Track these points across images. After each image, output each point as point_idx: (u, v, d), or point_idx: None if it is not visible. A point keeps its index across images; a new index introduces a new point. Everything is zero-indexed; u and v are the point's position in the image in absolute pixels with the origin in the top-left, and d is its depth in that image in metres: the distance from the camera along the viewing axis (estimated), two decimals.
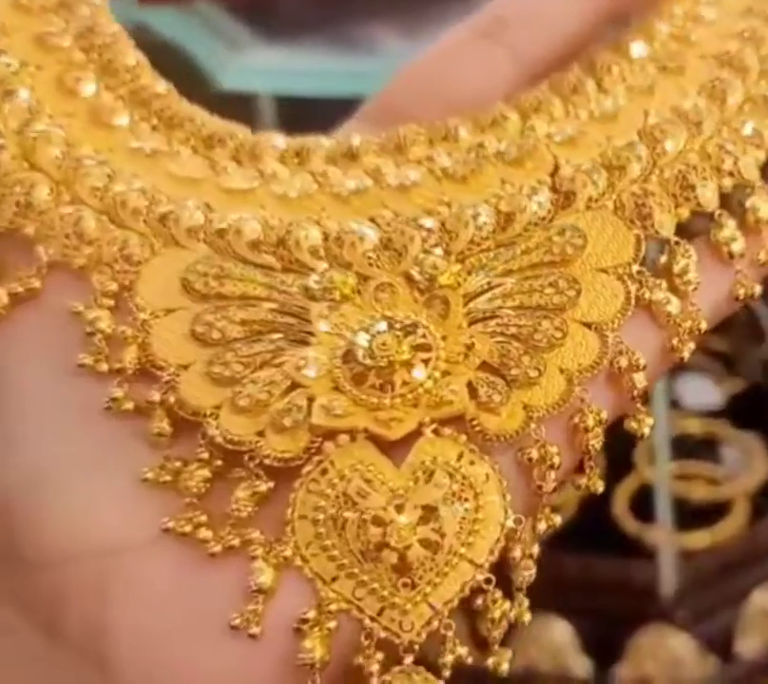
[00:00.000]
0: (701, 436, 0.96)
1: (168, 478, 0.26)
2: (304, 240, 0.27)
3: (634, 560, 0.82)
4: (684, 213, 0.28)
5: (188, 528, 0.25)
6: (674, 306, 0.27)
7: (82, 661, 0.25)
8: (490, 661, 0.26)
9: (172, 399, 0.26)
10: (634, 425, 0.27)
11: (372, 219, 0.28)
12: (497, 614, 0.26)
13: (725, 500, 0.89)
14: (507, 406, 0.26)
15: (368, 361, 0.26)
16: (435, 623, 0.25)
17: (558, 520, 0.27)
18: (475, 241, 0.27)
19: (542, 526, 0.26)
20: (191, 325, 0.26)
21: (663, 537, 0.82)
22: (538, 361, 0.26)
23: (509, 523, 0.26)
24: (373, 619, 0.25)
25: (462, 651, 0.26)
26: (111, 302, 0.27)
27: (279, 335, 0.26)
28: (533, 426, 0.26)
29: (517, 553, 0.26)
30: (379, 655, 0.25)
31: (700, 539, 0.85)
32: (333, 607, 0.25)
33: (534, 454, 0.26)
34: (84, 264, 0.27)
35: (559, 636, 0.81)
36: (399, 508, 0.25)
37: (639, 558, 0.83)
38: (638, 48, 0.31)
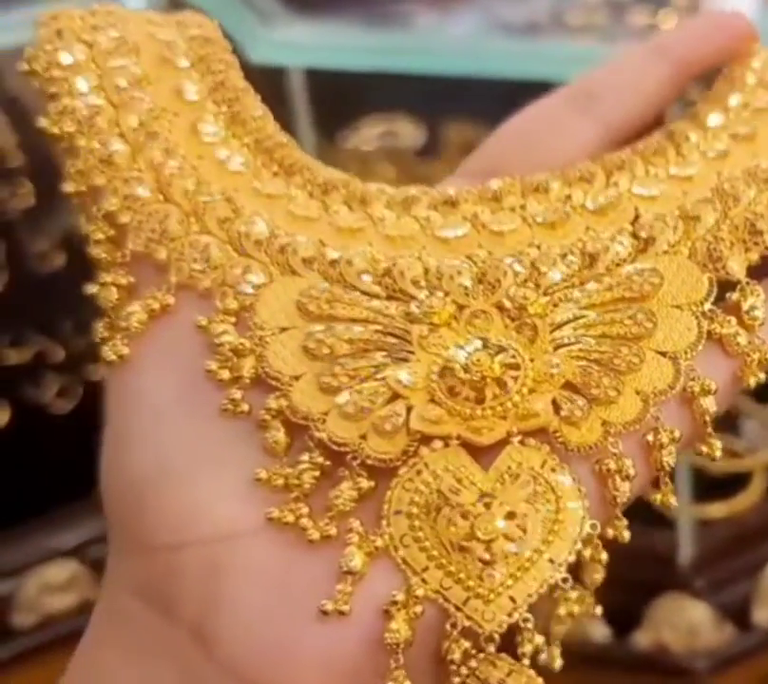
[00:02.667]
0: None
1: (281, 481, 0.29)
2: (407, 271, 0.30)
3: (653, 530, 0.83)
4: (754, 256, 0.31)
5: (291, 518, 0.28)
6: (743, 339, 0.30)
7: (193, 641, 0.28)
8: (543, 657, 0.29)
9: (285, 404, 0.29)
10: (704, 448, 0.30)
11: (468, 257, 0.31)
12: (564, 611, 0.30)
13: (744, 472, 0.90)
14: (587, 421, 0.29)
15: (463, 375, 0.29)
16: (515, 615, 0.27)
17: (627, 534, 0.29)
18: (563, 278, 0.30)
19: (610, 533, 0.29)
20: (303, 341, 0.30)
21: (682, 507, 0.83)
22: (617, 383, 0.29)
23: (587, 528, 0.28)
24: (458, 608, 0.27)
25: (539, 641, 0.28)
26: (233, 319, 0.30)
27: (382, 353, 0.29)
28: (611, 440, 0.29)
29: (588, 554, 0.29)
30: (464, 644, 0.27)
31: (718, 510, 0.85)
32: (420, 592, 0.27)
33: (611, 465, 0.29)
34: (209, 286, 0.31)
35: None
36: (487, 505, 0.28)
37: (658, 528, 0.84)
38: (714, 120, 0.34)
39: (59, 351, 0.85)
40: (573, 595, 0.30)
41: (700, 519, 0.84)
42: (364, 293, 0.30)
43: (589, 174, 0.33)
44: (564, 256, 0.31)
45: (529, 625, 0.27)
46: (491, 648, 0.27)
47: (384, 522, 0.28)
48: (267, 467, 0.29)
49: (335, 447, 0.29)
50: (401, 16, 0.78)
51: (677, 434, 0.29)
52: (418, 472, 0.28)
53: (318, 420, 0.29)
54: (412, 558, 0.28)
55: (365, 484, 0.28)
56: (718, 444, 0.30)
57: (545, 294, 0.30)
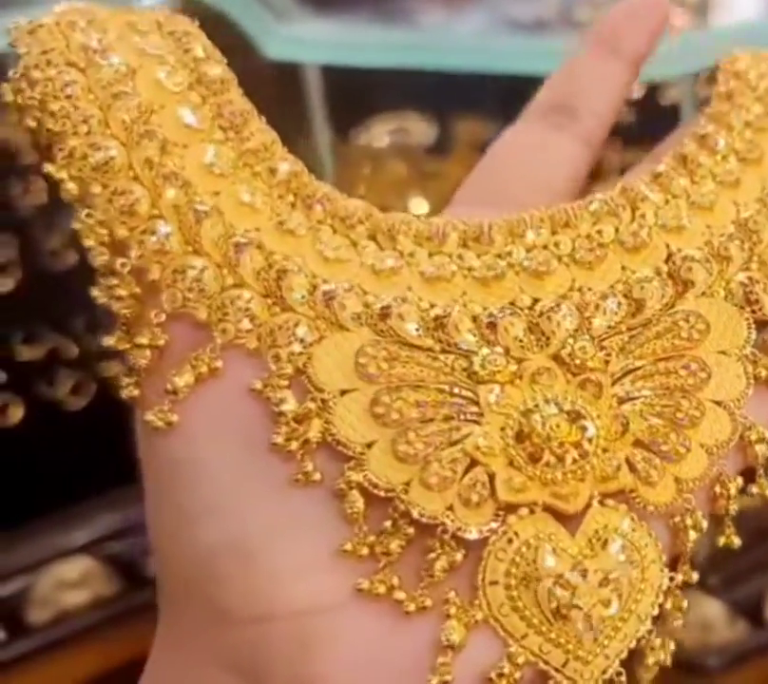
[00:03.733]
0: None
1: (366, 551, 0.28)
2: (461, 325, 0.29)
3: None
4: None
5: (382, 589, 0.28)
6: None
7: None
8: None
9: (363, 477, 0.28)
10: (757, 490, 0.31)
11: (512, 304, 0.30)
12: (652, 661, 0.30)
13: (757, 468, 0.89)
14: (662, 479, 0.29)
15: (540, 444, 0.29)
16: (610, 671, 0.29)
17: (695, 576, 0.31)
18: (611, 326, 0.30)
19: (680, 579, 0.30)
20: (370, 407, 0.29)
21: None
22: (684, 438, 0.30)
23: (666, 582, 0.29)
24: (557, 671, 0.28)
25: None
26: (287, 382, 0.29)
27: (452, 415, 0.29)
28: (685, 496, 0.30)
29: (669, 605, 0.30)
30: None
31: None
32: (520, 660, 0.28)
33: (688, 521, 0.30)
34: (256, 346, 0.29)
35: None
36: (583, 573, 0.28)
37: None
38: (721, 142, 0.34)
39: (72, 348, 0.85)
40: (657, 642, 0.30)
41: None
42: (418, 347, 0.29)
43: (616, 206, 0.32)
44: (605, 298, 0.30)
45: (622, 678, 0.29)
46: None
47: (480, 593, 0.28)
48: (351, 538, 0.28)
49: (423, 521, 0.28)
50: (410, 13, 0.78)
51: (740, 483, 0.31)
52: (509, 541, 0.28)
53: (401, 491, 0.28)
54: (512, 626, 0.28)
55: (458, 556, 0.28)
56: None
57: (596, 342, 0.30)
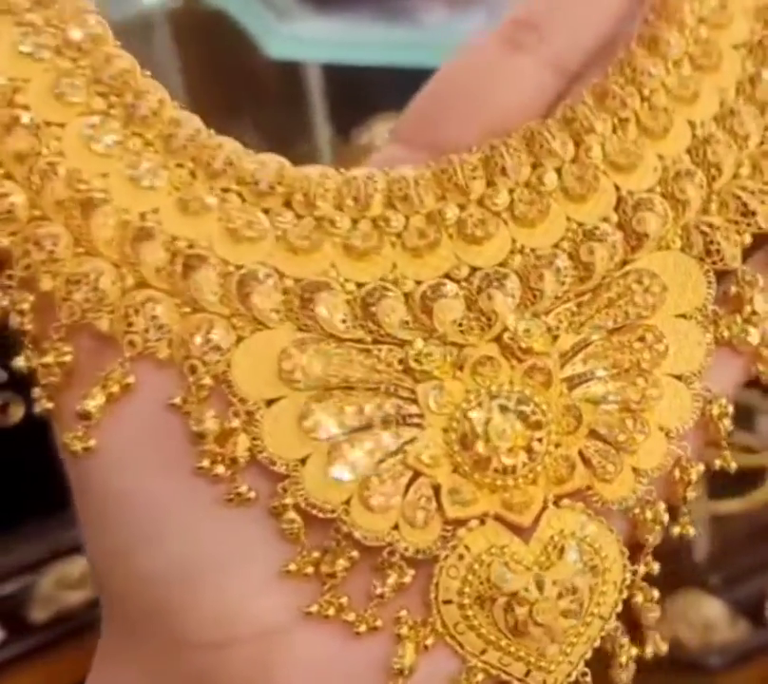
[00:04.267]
0: (737, 405, 0.96)
1: (310, 569, 0.26)
2: (392, 314, 0.26)
3: (668, 526, 0.83)
4: (747, 238, 0.29)
5: (331, 611, 0.26)
6: (753, 337, 0.28)
7: None
8: None
9: (298, 498, 0.26)
10: (719, 461, 0.29)
11: (448, 277, 0.27)
12: (625, 659, 0.29)
13: (759, 468, 0.90)
14: (620, 473, 0.27)
15: (487, 450, 0.26)
16: (574, 674, 0.27)
17: (656, 566, 0.28)
18: (558, 296, 0.27)
19: (642, 570, 0.28)
20: (300, 419, 0.26)
21: (697, 503, 0.83)
22: (641, 424, 0.27)
23: (629, 577, 0.28)
24: (520, 680, 0.27)
25: None
26: (206, 393, 0.26)
27: (390, 419, 0.26)
28: (644, 488, 0.27)
29: (639, 598, 0.28)
30: None
31: (732, 505, 0.86)
32: (480, 677, 0.27)
33: (648, 515, 0.28)
34: (169, 355, 0.26)
35: None
36: (540, 586, 0.26)
37: (672, 523, 0.83)
38: (674, 46, 0.29)
39: None
40: (625, 640, 0.29)
41: (715, 515, 0.84)
42: (348, 340, 0.26)
43: (558, 143, 0.28)
44: (551, 262, 0.27)
45: (587, 678, 0.28)
46: None
47: (434, 611, 0.26)
48: (294, 558, 0.26)
49: (367, 543, 0.26)
50: (412, 12, 0.78)
51: (701, 468, 0.28)
52: (460, 557, 0.26)
53: (342, 512, 0.26)
54: (470, 643, 0.27)
55: (408, 575, 0.26)
56: (730, 457, 0.29)
57: (543, 314, 0.27)
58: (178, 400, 0.26)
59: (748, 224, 0.28)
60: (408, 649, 0.26)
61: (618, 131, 0.28)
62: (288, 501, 0.26)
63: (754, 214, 0.28)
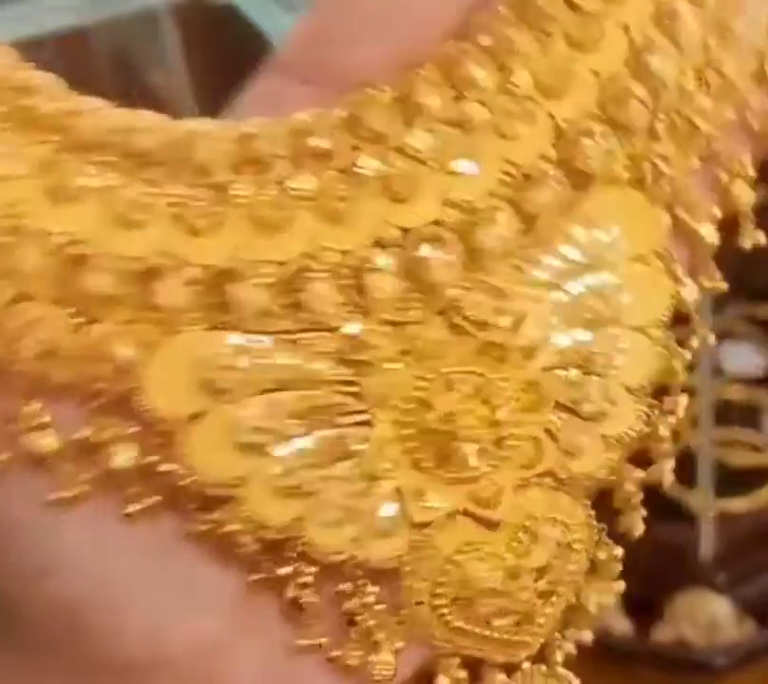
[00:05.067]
0: (743, 403, 0.96)
1: (266, 590, 0.23)
2: (320, 299, 0.22)
3: (674, 525, 0.83)
4: (695, 162, 0.25)
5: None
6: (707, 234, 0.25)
7: None
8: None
9: (246, 524, 0.22)
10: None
11: (379, 244, 0.23)
12: (593, 607, 0.28)
13: (765, 466, 0.90)
14: (589, 446, 0.25)
15: (447, 440, 0.23)
16: (540, 643, 0.26)
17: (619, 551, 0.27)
18: (501, 253, 0.23)
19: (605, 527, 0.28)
20: (230, 434, 0.22)
21: (704, 502, 0.83)
22: (607, 389, 0.24)
23: (601, 556, 0.26)
24: (494, 658, 0.26)
25: (569, 647, 0.27)
26: (116, 419, 0.22)
27: (334, 421, 0.23)
28: (613, 460, 0.25)
29: (603, 556, 0.27)
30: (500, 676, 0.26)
31: (739, 504, 0.86)
32: (455, 661, 0.26)
33: (620, 496, 0.26)
34: (67, 379, 0.21)
35: None
36: (515, 576, 0.25)
37: (679, 522, 0.84)
38: None
39: None
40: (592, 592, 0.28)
41: (722, 513, 0.84)
42: (273, 333, 0.22)
43: (479, 71, 0.23)
44: (492, 220, 0.23)
45: (558, 642, 0.27)
46: (527, 664, 0.27)
47: (406, 613, 0.24)
48: (248, 580, 0.23)
49: (327, 562, 0.23)
50: None
51: (673, 421, 0.25)
52: (431, 558, 0.24)
53: (294, 529, 0.23)
54: (446, 637, 0.25)
55: (372, 597, 0.24)
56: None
57: (488, 274, 0.23)
58: (88, 433, 0.22)
59: (699, 146, 0.24)
60: (387, 656, 0.24)
61: (545, 47, 0.23)
62: (236, 528, 0.22)
63: (707, 139, 0.24)
